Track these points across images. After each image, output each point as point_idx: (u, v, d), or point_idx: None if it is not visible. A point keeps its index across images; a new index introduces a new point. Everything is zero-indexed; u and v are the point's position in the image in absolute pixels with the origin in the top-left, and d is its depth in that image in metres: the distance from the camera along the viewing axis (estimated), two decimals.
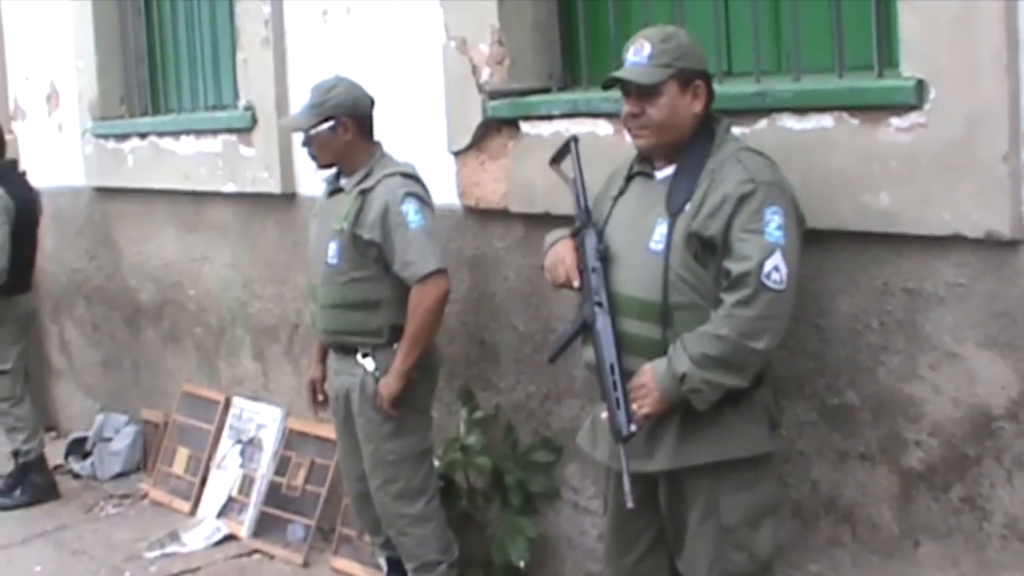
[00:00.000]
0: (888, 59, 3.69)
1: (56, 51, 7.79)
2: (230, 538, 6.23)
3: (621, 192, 3.66)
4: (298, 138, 5.06)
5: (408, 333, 4.47)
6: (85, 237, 7.87)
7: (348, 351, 4.65)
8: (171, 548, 6.16)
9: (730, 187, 3.35)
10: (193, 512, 6.56)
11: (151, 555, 6.11)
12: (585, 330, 3.56)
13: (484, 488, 5.06)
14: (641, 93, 3.47)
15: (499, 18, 4.72)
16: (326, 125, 4.54)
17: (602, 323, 3.49)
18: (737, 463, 3.46)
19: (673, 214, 3.42)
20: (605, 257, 3.55)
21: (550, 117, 4.54)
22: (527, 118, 4.65)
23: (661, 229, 3.43)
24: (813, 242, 3.65)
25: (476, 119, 4.83)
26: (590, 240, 3.60)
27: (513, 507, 4.88)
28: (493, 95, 4.75)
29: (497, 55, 4.73)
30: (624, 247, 3.54)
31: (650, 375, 3.38)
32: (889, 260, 3.66)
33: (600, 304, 3.50)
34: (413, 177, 4.57)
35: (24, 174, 7.35)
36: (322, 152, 4.63)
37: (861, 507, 3.83)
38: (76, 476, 7.43)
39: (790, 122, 3.76)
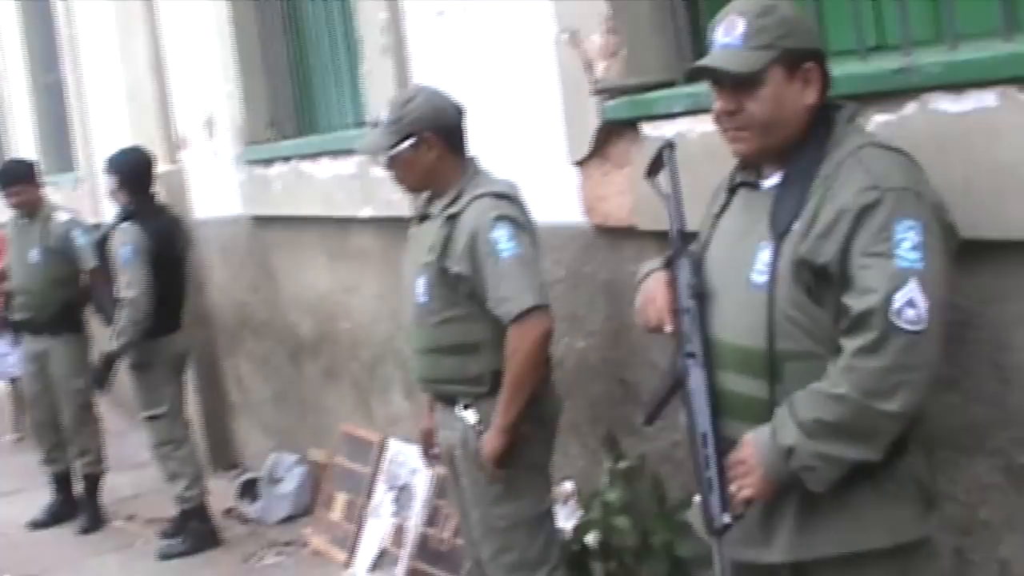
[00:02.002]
0: None
1: (210, 76, 7.41)
2: None
3: (723, 208, 2.90)
4: None
5: (507, 382, 3.78)
6: (248, 268, 7.49)
7: (448, 401, 4.01)
8: None
9: (847, 198, 2.55)
10: (348, 563, 6.05)
11: None
12: (680, 387, 2.81)
13: (635, 549, 4.35)
14: (737, 85, 2.69)
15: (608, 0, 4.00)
16: (406, 143, 3.87)
17: (695, 379, 2.73)
18: (878, 554, 2.65)
19: (778, 236, 2.63)
20: (701, 294, 2.80)
21: (671, 116, 3.79)
22: (648, 118, 3.91)
23: (764, 256, 2.65)
24: (982, 256, 2.84)
25: (594, 122, 4.13)
26: (683, 272, 2.85)
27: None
28: (610, 93, 4.03)
29: (610, 46, 4.00)
30: (723, 280, 2.77)
31: (751, 448, 2.62)
32: None
33: (692, 355, 2.75)
34: (507, 197, 3.86)
35: (165, 208, 6.97)
36: (407, 175, 3.98)
37: None
38: (245, 520, 7.03)
39: (944, 104, 2.92)
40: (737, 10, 2.71)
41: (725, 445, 2.68)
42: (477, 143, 4.25)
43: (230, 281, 7.73)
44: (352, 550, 6.07)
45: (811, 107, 2.70)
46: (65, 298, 7.19)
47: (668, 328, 2.86)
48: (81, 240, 7.20)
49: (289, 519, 6.88)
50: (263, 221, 7.12)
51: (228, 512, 7.13)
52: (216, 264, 7.86)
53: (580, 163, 4.28)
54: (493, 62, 4.70)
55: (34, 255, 7.21)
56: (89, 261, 7.11)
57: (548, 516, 4.06)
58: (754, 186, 2.80)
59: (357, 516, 6.12)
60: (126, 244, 6.36)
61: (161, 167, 7.93)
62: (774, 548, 2.72)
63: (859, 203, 2.52)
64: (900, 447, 2.62)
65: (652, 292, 2.95)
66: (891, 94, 3.01)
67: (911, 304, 2.45)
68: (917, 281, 2.46)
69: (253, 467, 7.52)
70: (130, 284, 6.31)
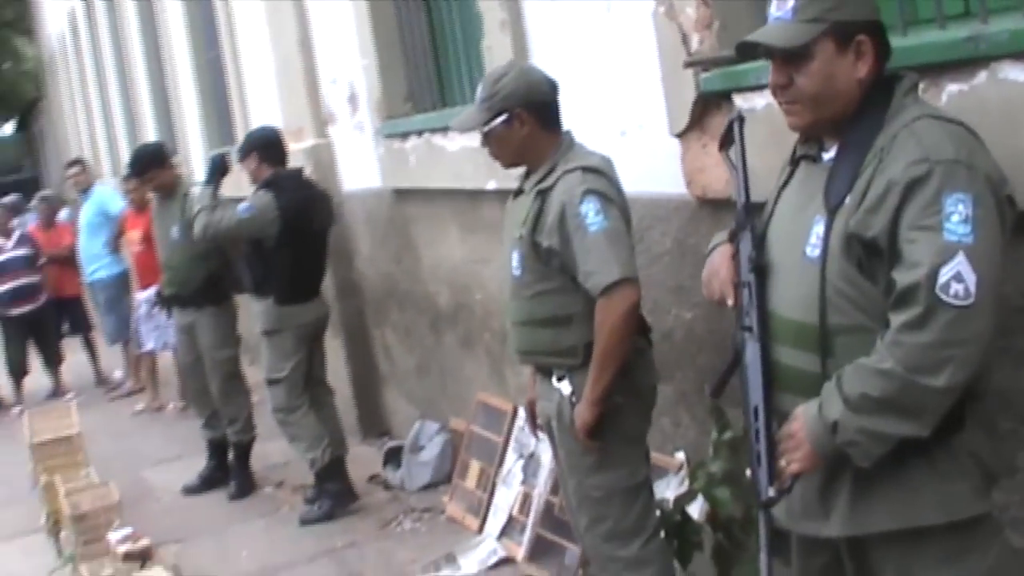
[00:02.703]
0: None
1: (351, 51, 7.56)
2: (506, 561, 5.79)
3: (786, 181, 2.89)
4: None
5: (596, 355, 3.81)
6: (390, 240, 7.64)
7: (545, 373, 4.07)
8: (445, 571, 5.80)
9: (897, 170, 2.51)
10: (480, 530, 6.16)
11: None
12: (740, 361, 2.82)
13: (741, 521, 4.35)
14: (787, 58, 2.68)
15: None
16: (499, 120, 3.91)
17: (751, 353, 2.74)
18: (935, 530, 2.62)
19: (831, 210, 2.62)
20: (760, 267, 2.80)
21: (760, 87, 3.76)
22: (740, 90, 3.89)
23: (818, 230, 2.64)
24: None
25: (691, 95, 4.12)
26: (744, 246, 2.86)
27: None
28: (703, 65, 4.02)
29: (704, 18, 3.99)
30: (781, 254, 2.77)
31: (800, 422, 2.61)
32: None
33: (749, 328, 2.75)
34: (596, 171, 3.87)
35: (310, 183, 7.12)
36: (502, 151, 4.02)
37: None
38: (388, 487, 7.20)
39: (1014, 72, 2.86)
40: None
41: (780, 419, 2.69)
42: (585, 116, 4.29)
43: (375, 252, 7.90)
44: (483, 517, 6.19)
45: (863, 81, 2.67)
46: (207, 272, 7.36)
47: (730, 301, 2.88)
48: None
49: (430, 486, 7.01)
50: (402, 193, 7.25)
51: (372, 479, 7.32)
52: (362, 235, 8.03)
53: (679, 135, 4.28)
54: (601, 35, 4.71)
55: (175, 232, 7.42)
56: None
57: (644, 487, 4.08)
58: (814, 159, 2.79)
59: (489, 484, 6.23)
60: (245, 204, 6.60)
61: (311, 141, 8.18)
62: (832, 522, 2.72)
63: (908, 176, 2.49)
64: (956, 423, 2.58)
65: (716, 265, 2.97)
66: (963, 63, 2.96)
67: (958, 279, 2.41)
68: (965, 255, 2.42)
69: (401, 435, 7.68)
70: (226, 230, 6.63)
